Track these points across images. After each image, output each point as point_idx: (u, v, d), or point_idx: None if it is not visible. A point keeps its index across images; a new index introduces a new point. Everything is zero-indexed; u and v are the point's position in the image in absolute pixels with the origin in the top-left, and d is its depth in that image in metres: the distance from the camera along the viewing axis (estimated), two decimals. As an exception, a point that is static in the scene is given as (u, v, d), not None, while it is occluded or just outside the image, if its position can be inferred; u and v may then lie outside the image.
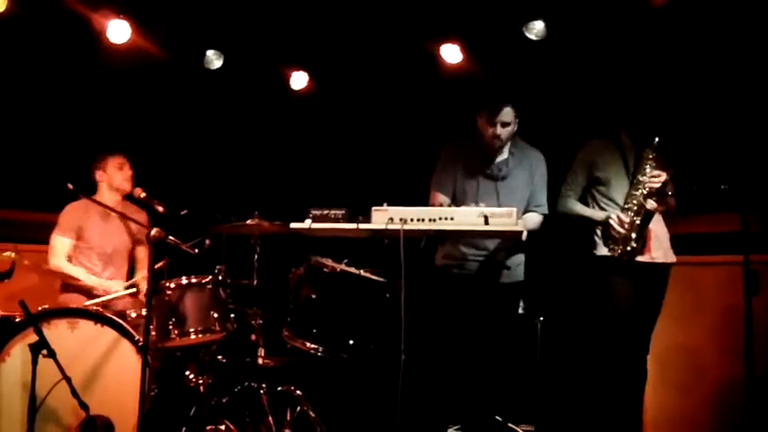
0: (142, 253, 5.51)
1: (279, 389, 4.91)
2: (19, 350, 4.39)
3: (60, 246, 5.25)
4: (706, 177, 4.66)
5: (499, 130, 4.89)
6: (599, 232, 4.93)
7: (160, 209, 5.02)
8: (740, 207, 4.39)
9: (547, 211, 5.07)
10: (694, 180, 4.75)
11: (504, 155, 5.05)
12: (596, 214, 4.94)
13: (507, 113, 4.87)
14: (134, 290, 5.27)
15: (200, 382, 4.84)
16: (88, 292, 5.17)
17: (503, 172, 5.02)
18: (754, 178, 4.68)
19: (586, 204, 5.04)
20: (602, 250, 4.90)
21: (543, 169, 5.09)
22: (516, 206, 4.70)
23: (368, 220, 4.35)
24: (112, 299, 5.10)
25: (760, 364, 4.26)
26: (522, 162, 5.05)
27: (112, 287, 5.21)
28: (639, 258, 4.83)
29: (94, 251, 5.32)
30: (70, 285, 5.24)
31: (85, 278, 5.21)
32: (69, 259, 5.28)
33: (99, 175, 5.38)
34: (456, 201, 5.00)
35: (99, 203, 5.23)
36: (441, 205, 4.84)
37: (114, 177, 5.37)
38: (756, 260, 4.43)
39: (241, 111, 6.60)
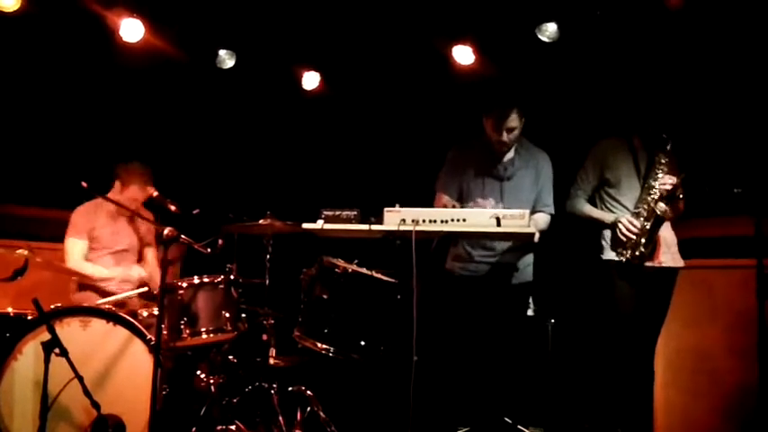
0: (151, 253, 5.51)
1: (290, 389, 4.92)
2: (31, 348, 4.42)
3: (75, 248, 5.23)
4: (720, 180, 4.64)
5: (505, 136, 4.90)
6: (606, 236, 4.92)
7: (173, 208, 5.03)
8: (754, 210, 4.37)
9: (553, 212, 5.07)
10: (707, 182, 4.73)
11: (510, 155, 5.05)
12: (605, 216, 4.92)
13: (513, 119, 4.87)
14: (145, 289, 5.28)
15: (212, 381, 4.85)
16: (104, 291, 5.18)
17: (508, 172, 5.02)
18: (768, 181, 4.66)
19: (594, 206, 5.02)
20: (609, 254, 4.89)
21: (549, 170, 5.09)
22: (521, 206, 4.72)
23: (380, 221, 4.35)
24: (125, 298, 5.11)
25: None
26: (528, 162, 5.06)
27: (131, 273, 5.25)
28: (647, 263, 4.82)
29: (106, 250, 5.32)
30: (87, 285, 5.24)
31: (101, 273, 5.21)
32: (85, 260, 5.28)
33: (117, 184, 5.33)
34: (462, 201, 5.00)
35: (112, 201, 5.23)
36: (445, 205, 4.84)
37: (133, 193, 5.31)
38: (770, 264, 4.42)
39: (253, 110, 6.61)
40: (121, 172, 5.34)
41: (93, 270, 5.23)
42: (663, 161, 4.78)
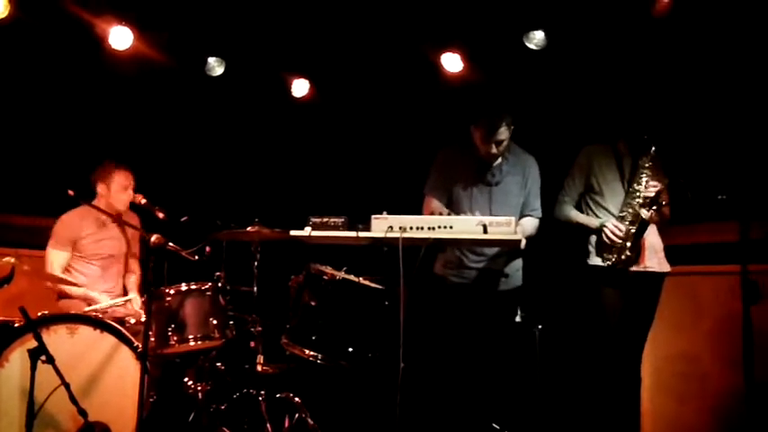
0: (135, 260, 5.50)
1: (277, 396, 4.91)
2: (18, 355, 4.39)
3: (56, 258, 5.19)
4: (704, 186, 4.66)
5: (494, 148, 4.90)
6: (592, 241, 4.93)
7: (161, 215, 5.04)
8: (739, 216, 4.39)
9: (541, 215, 5.07)
10: (691, 188, 4.75)
11: (499, 160, 5.04)
12: (591, 221, 4.93)
13: (503, 132, 4.86)
14: (132, 296, 5.27)
15: (199, 388, 4.85)
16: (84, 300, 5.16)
17: (496, 177, 5.02)
18: (753, 187, 4.68)
19: (581, 211, 5.04)
20: (595, 260, 4.90)
21: (536, 173, 5.09)
22: (509, 211, 4.74)
23: (367, 229, 4.35)
24: (112, 306, 5.09)
25: (759, 373, 4.26)
26: (515, 166, 5.06)
27: (102, 301, 5.15)
28: (633, 268, 4.84)
29: (92, 259, 5.29)
30: (65, 295, 5.20)
31: (77, 290, 5.16)
32: (65, 270, 5.24)
33: (100, 187, 5.29)
34: (451, 206, 5.01)
35: (98, 209, 5.22)
36: (432, 212, 4.84)
37: (115, 197, 5.27)
38: (756, 270, 4.43)
39: (242, 118, 6.61)
40: (101, 176, 5.30)
41: (67, 281, 5.15)
42: (647, 165, 4.79)
